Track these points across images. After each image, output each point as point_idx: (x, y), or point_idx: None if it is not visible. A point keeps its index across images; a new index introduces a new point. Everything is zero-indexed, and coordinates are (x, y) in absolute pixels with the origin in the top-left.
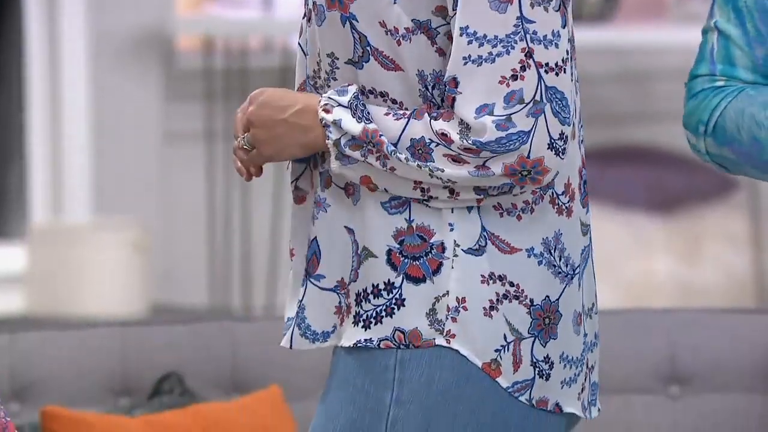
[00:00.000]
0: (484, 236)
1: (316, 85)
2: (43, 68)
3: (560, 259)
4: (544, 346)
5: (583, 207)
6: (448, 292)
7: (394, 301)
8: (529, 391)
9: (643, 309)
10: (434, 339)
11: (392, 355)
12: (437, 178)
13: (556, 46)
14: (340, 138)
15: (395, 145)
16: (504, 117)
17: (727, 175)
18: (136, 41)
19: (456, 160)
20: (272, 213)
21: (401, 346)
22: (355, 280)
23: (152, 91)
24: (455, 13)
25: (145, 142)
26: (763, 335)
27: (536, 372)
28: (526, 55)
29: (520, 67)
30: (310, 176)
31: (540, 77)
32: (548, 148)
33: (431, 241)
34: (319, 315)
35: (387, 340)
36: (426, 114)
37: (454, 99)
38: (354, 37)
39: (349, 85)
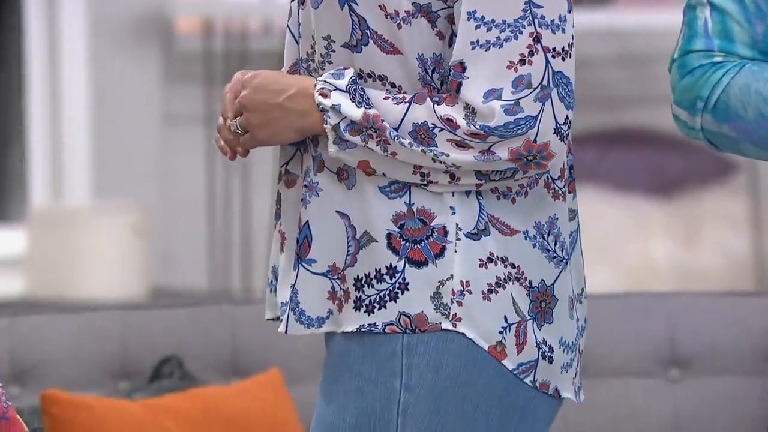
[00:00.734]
0: (484, 219)
1: (309, 69)
2: (42, 51)
3: (555, 244)
4: (540, 330)
5: (570, 192)
6: (452, 275)
7: (397, 285)
8: (533, 373)
9: (642, 293)
10: (440, 323)
11: (398, 340)
12: (441, 162)
13: (563, 30)
14: (339, 123)
15: (397, 129)
16: (512, 102)
17: (727, 158)
18: (135, 23)
19: (460, 145)
20: (272, 196)
21: (407, 331)
22: (353, 265)
23: (152, 73)
24: None
25: (144, 124)
26: (762, 318)
27: (539, 353)
28: (534, 40)
29: (528, 52)
30: (300, 160)
31: (547, 62)
32: (554, 133)
33: (432, 224)
34: (312, 300)
35: (392, 324)
36: (428, 98)
37: (459, 84)
38: (353, 20)
39: (345, 68)
